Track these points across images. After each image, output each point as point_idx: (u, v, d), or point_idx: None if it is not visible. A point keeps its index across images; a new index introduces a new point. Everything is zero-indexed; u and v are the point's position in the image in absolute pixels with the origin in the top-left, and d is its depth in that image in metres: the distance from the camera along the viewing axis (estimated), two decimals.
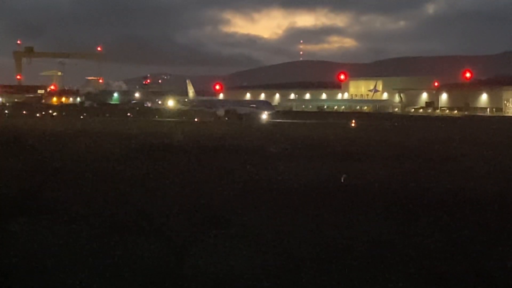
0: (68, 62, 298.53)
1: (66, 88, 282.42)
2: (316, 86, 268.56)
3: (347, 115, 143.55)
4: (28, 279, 14.05)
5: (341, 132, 75.75)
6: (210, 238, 17.47)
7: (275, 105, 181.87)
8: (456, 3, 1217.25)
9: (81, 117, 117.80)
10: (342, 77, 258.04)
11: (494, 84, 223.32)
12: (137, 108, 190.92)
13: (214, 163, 36.06)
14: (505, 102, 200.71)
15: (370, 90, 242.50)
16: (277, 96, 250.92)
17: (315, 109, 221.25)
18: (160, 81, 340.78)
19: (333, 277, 14.36)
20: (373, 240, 17.53)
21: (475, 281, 14.30)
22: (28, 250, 16.26)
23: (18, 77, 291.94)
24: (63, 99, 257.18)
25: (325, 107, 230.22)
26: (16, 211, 20.93)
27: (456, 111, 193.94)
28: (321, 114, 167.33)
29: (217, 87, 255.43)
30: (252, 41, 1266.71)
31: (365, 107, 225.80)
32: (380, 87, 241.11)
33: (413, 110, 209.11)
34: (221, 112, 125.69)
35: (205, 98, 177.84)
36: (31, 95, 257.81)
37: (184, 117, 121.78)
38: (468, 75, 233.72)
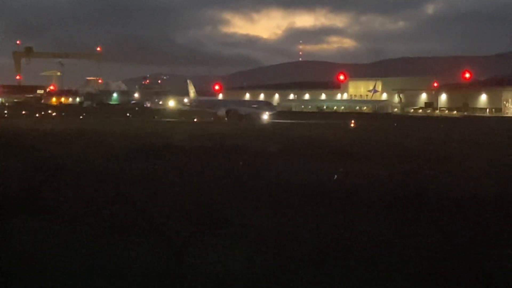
0: (68, 62, 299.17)
1: (65, 88, 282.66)
2: (316, 86, 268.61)
3: (346, 116, 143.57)
4: (28, 279, 14.05)
5: (341, 133, 75.76)
6: (206, 236, 17.49)
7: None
8: (456, 3, 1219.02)
9: (81, 117, 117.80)
10: (341, 77, 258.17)
11: (494, 84, 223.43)
12: (137, 108, 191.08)
13: (212, 163, 36.06)
14: (505, 102, 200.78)
15: (369, 91, 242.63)
16: (277, 96, 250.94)
17: (314, 110, 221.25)
18: (159, 81, 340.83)
19: (333, 277, 14.37)
20: (372, 240, 17.54)
21: (475, 281, 14.30)
22: (28, 249, 16.27)
23: (18, 77, 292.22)
24: (63, 99, 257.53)
25: (325, 107, 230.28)
26: (15, 210, 20.94)
27: (455, 112, 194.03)
28: (321, 114, 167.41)
29: (217, 87, 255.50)
30: (252, 42, 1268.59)
31: (365, 108, 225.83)
32: (379, 87, 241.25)
33: (412, 110, 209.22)
34: (222, 112, 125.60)
35: (206, 98, 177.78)
36: (31, 95, 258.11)
37: (183, 117, 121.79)
38: (467, 75, 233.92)
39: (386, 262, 15.40)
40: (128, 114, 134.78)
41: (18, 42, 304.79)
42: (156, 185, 27.12)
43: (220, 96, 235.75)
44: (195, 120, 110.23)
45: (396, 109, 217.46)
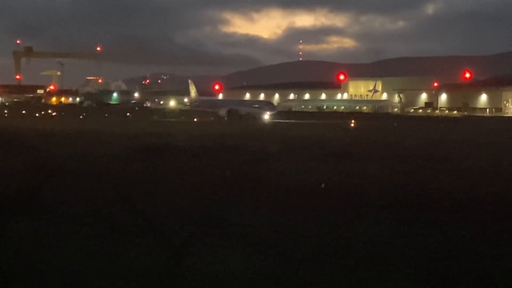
0: (67, 62, 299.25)
1: (65, 88, 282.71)
2: (316, 86, 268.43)
3: (346, 116, 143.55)
4: (27, 279, 14.04)
5: (341, 133, 75.78)
6: (206, 235, 17.48)
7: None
8: (455, 3, 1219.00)
9: (81, 117, 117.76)
10: (341, 77, 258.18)
11: (494, 84, 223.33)
12: (137, 108, 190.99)
13: (211, 163, 36.08)
14: (505, 102, 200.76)
15: (369, 90, 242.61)
16: (277, 96, 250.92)
17: (314, 109, 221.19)
18: (159, 81, 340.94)
19: (333, 277, 14.37)
20: (372, 240, 17.53)
21: (475, 281, 14.30)
22: (27, 248, 16.27)
23: (18, 77, 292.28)
24: (62, 99, 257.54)
25: (325, 107, 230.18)
26: (14, 210, 20.94)
27: (455, 112, 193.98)
28: (321, 114, 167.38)
29: (217, 87, 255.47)
30: (252, 41, 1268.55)
31: (365, 107, 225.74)
32: (379, 87, 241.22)
33: (412, 110, 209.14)
34: (223, 112, 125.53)
35: (207, 98, 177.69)
36: (31, 95, 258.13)
37: (183, 117, 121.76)
38: (467, 75, 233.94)
39: (386, 262, 15.40)
40: (128, 114, 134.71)
41: (18, 41, 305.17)
42: (155, 185, 27.12)
43: (220, 96, 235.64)
44: (195, 120, 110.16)
45: (396, 109, 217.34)
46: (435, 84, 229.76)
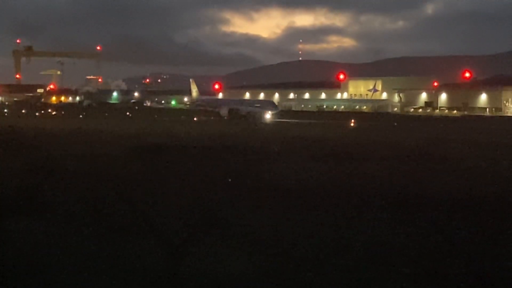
0: (67, 61, 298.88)
1: (65, 87, 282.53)
2: (315, 85, 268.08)
3: (346, 115, 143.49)
4: (27, 278, 14.05)
5: (342, 132, 75.73)
6: (206, 235, 17.49)
7: None
8: (455, 3, 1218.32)
9: (80, 116, 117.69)
10: (341, 76, 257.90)
11: (493, 84, 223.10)
12: (136, 108, 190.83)
13: (210, 163, 36.10)
14: (505, 102, 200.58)
15: (369, 90, 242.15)
16: (276, 95, 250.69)
17: (314, 109, 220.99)
18: (159, 80, 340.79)
19: (331, 277, 14.37)
20: (371, 240, 17.53)
21: (474, 281, 14.30)
22: (26, 247, 16.28)
23: (18, 76, 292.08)
24: (62, 98, 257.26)
25: (325, 106, 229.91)
26: (14, 208, 20.96)
27: (455, 111, 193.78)
28: (321, 113, 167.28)
29: (216, 86, 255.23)
30: (251, 41, 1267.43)
31: (364, 107, 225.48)
32: (379, 87, 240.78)
33: (412, 110, 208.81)
34: (224, 111, 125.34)
35: (208, 97, 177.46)
36: (31, 94, 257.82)
37: (183, 116, 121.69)
38: (467, 75, 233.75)
39: (386, 262, 15.40)
40: (128, 113, 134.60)
41: (18, 41, 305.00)
42: (154, 185, 27.12)
43: (220, 96, 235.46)
44: (195, 119, 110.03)
45: (396, 109, 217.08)
46: (435, 84, 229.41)
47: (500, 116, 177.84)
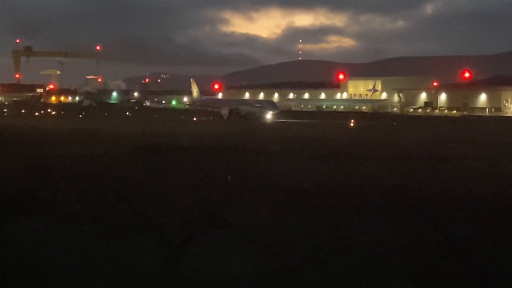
0: (67, 61, 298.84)
1: (65, 87, 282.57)
2: (315, 85, 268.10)
3: (346, 115, 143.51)
4: (26, 278, 14.02)
5: (342, 132, 75.74)
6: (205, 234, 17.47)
7: None
8: (455, 3, 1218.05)
9: (80, 116, 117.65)
10: (341, 76, 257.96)
11: (493, 84, 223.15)
12: (136, 108, 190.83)
13: (209, 163, 36.09)
14: (504, 102, 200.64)
15: (369, 90, 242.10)
16: (276, 95, 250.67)
17: (314, 109, 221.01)
18: (159, 80, 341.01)
19: (331, 277, 14.34)
20: (371, 240, 17.51)
21: (474, 281, 14.28)
22: (26, 246, 16.25)
23: (17, 76, 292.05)
24: (62, 98, 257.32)
25: (324, 106, 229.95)
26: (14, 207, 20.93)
27: (455, 111, 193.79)
28: (321, 113, 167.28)
29: (216, 86, 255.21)
30: (251, 41, 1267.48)
31: (364, 107, 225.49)
32: (379, 87, 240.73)
33: (412, 110, 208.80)
34: (225, 111, 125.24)
35: (209, 97, 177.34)
36: (30, 94, 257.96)
37: (182, 116, 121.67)
38: (467, 75, 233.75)
39: (386, 262, 15.37)
40: (127, 113, 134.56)
41: (17, 41, 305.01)
42: (154, 185, 27.11)
43: (220, 96, 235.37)
44: (194, 119, 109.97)
45: (395, 109, 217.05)
46: (435, 84, 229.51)
47: (500, 116, 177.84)
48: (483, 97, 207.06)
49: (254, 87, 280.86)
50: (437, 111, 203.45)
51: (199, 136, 61.84)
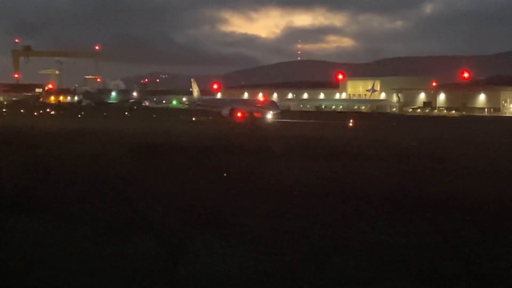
0: (66, 61, 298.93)
1: (64, 87, 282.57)
2: (314, 85, 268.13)
3: (345, 115, 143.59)
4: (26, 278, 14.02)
5: (342, 132, 75.77)
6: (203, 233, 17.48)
7: None
8: (454, 3, 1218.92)
9: (79, 116, 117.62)
10: (340, 76, 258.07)
11: (492, 84, 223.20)
12: (135, 107, 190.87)
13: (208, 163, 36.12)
14: (503, 102, 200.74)
15: (368, 90, 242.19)
16: (275, 95, 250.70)
17: (313, 109, 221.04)
18: (158, 80, 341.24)
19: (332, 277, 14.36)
20: (370, 240, 17.52)
21: (474, 281, 14.30)
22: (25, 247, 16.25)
23: (16, 75, 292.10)
24: (61, 98, 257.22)
25: (323, 106, 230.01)
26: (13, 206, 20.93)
27: (454, 111, 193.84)
28: (320, 113, 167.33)
29: (215, 86, 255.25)
30: (250, 41, 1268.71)
31: (363, 107, 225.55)
32: (378, 87, 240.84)
33: (410, 110, 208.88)
34: (225, 111, 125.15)
35: (209, 97, 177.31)
36: (29, 94, 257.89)
37: (181, 116, 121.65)
38: (466, 75, 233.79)
39: (385, 262, 15.39)
40: (126, 113, 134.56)
41: (16, 40, 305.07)
42: (153, 185, 27.13)
43: (219, 95, 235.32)
44: (193, 119, 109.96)
45: (394, 109, 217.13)
46: (434, 84, 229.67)
47: (499, 116, 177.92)
48: (482, 97, 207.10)
49: (253, 87, 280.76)
50: (436, 111, 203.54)
51: (199, 136, 61.84)
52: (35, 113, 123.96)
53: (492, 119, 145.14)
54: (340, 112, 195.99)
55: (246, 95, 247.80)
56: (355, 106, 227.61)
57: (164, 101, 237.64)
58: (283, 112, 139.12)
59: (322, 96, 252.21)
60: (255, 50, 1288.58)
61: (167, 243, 17.05)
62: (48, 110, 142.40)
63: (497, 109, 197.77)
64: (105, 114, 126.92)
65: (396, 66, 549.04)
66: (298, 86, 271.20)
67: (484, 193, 26.11)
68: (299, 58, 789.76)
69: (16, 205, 21.84)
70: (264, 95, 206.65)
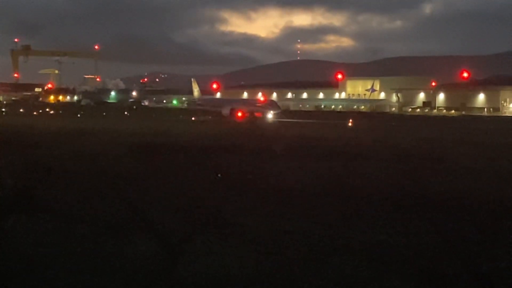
0: (66, 60, 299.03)
1: (63, 87, 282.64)
2: (313, 85, 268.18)
3: (344, 115, 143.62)
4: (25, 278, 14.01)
5: (341, 132, 75.76)
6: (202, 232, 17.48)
7: None
8: (453, 3, 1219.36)
9: (78, 115, 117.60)
10: (339, 76, 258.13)
11: (491, 84, 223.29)
12: (135, 107, 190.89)
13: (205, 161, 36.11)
14: (502, 102, 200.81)
15: (367, 90, 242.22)
16: (274, 95, 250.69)
17: (312, 109, 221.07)
18: (157, 79, 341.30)
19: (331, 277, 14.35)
20: (370, 240, 17.52)
21: (473, 281, 14.30)
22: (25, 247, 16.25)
23: (16, 75, 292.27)
24: (60, 97, 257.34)
25: (322, 106, 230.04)
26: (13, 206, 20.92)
27: (453, 111, 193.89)
28: (319, 113, 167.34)
29: (214, 86, 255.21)
30: (249, 40, 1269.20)
31: (362, 107, 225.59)
32: (377, 86, 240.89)
33: (410, 109, 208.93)
34: (226, 111, 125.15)
35: (210, 97, 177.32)
36: (28, 93, 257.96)
37: (181, 116, 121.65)
38: (465, 75, 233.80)
39: (385, 262, 15.39)
40: (126, 113, 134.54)
41: (16, 40, 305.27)
42: (153, 185, 27.12)
43: (218, 95, 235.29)
44: (193, 118, 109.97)
45: (394, 109, 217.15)
46: (433, 84, 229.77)
47: (498, 116, 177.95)
48: (481, 97, 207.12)
49: (253, 87, 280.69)
50: (435, 111, 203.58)
51: (199, 136, 61.83)
52: (35, 113, 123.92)
53: (492, 119, 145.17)
54: (340, 112, 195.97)
55: (245, 95, 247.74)
56: (354, 106, 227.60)
57: (164, 101, 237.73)
58: (283, 111, 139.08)
59: (321, 95, 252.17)
60: (254, 50, 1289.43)
61: (166, 243, 17.05)
62: (47, 109, 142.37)
63: (497, 109, 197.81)
64: (104, 113, 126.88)
65: (395, 66, 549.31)
66: (298, 86, 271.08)
67: (483, 193, 26.12)
68: (298, 58, 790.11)
69: (15, 205, 21.82)
70: (263, 95, 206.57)
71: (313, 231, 18.48)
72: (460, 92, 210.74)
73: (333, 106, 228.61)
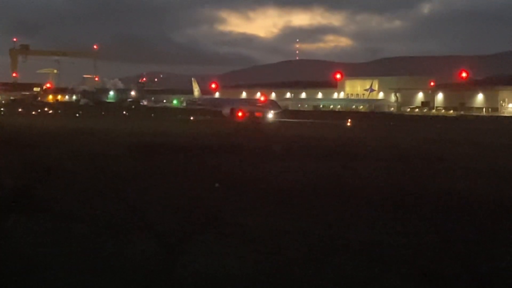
0: (64, 60, 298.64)
1: (62, 86, 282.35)
2: (312, 85, 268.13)
3: (343, 115, 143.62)
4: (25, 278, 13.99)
5: (341, 132, 75.78)
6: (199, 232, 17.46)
7: None
8: (452, 2, 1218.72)
9: (77, 115, 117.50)
10: (338, 76, 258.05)
11: (490, 84, 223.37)
12: (133, 107, 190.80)
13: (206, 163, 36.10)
14: (501, 102, 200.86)
15: (366, 90, 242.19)
16: (273, 95, 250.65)
17: (311, 108, 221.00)
18: (156, 79, 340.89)
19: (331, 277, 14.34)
20: (369, 239, 17.51)
21: (473, 281, 14.29)
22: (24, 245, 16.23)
23: (14, 74, 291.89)
24: (59, 97, 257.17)
25: (321, 106, 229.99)
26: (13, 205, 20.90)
27: (452, 111, 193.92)
28: (319, 113, 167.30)
29: (213, 85, 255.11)
30: (248, 40, 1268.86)
31: (361, 107, 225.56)
32: (376, 86, 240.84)
33: (408, 109, 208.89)
34: (226, 111, 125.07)
35: (210, 97, 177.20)
36: (27, 93, 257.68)
37: (180, 116, 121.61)
38: (464, 75, 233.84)
39: (384, 262, 15.38)
40: (124, 112, 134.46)
41: (14, 39, 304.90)
42: (152, 185, 27.10)
43: (217, 95, 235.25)
44: (191, 118, 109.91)
45: (392, 109, 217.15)
46: (432, 84, 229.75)
47: (497, 116, 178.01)
48: (480, 97, 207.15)
49: (251, 87, 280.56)
50: (434, 111, 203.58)
51: (199, 135, 61.78)
52: (33, 112, 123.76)
53: (490, 119, 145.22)
54: (339, 111, 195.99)
55: (244, 95, 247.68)
56: (353, 105, 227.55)
57: (164, 101, 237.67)
58: (283, 111, 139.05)
59: (320, 95, 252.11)
60: (253, 49, 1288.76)
61: (166, 242, 17.02)
62: (46, 109, 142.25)
63: (495, 109, 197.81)
64: (103, 113, 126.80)
65: (394, 66, 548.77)
66: (296, 86, 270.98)
67: (483, 193, 26.12)
68: (297, 58, 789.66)
69: (15, 204, 21.79)
70: (263, 95, 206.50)
71: (313, 231, 18.47)
72: (459, 92, 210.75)
73: (331, 106, 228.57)
